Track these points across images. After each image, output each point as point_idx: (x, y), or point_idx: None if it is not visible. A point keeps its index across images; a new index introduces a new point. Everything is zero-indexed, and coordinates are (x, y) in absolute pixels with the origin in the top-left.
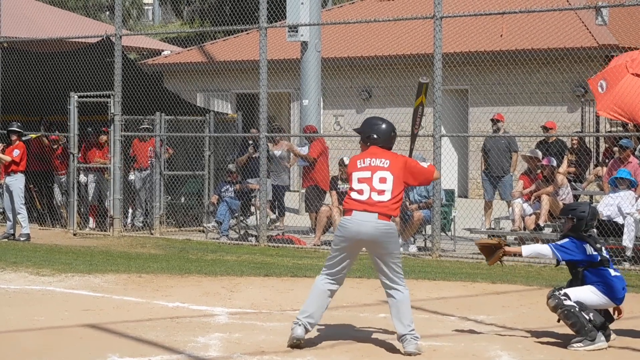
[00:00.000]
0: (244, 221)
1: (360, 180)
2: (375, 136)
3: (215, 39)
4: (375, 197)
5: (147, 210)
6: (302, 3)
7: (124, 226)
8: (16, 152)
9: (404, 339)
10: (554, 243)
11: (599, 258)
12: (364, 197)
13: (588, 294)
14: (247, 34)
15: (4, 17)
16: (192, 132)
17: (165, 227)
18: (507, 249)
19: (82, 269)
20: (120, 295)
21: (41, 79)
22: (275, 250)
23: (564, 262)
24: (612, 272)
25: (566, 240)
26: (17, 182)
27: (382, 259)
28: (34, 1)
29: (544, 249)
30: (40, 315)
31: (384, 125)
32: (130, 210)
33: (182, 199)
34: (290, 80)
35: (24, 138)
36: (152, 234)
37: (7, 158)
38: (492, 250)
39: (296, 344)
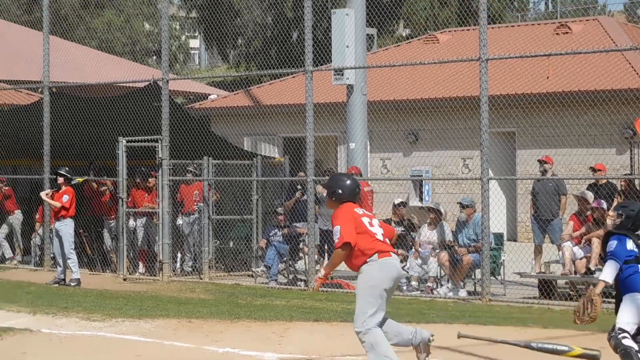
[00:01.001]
0: (293, 265)
1: (371, 224)
2: (340, 192)
3: (261, 82)
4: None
5: (195, 254)
6: (347, 46)
7: (173, 271)
8: (65, 198)
9: (417, 333)
10: (608, 256)
11: (637, 255)
12: (382, 240)
13: (629, 309)
14: (293, 77)
15: (53, 63)
16: (240, 176)
17: (214, 272)
18: (596, 291)
19: (133, 314)
20: (170, 341)
21: (89, 123)
22: (325, 294)
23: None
24: None
25: (611, 242)
26: (66, 227)
27: (389, 297)
28: (81, 46)
29: (612, 266)
30: None
31: (348, 182)
32: (179, 255)
33: (231, 244)
34: (336, 124)
35: (72, 182)
36: (201, 278)
37: (57, 204)
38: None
39: None
